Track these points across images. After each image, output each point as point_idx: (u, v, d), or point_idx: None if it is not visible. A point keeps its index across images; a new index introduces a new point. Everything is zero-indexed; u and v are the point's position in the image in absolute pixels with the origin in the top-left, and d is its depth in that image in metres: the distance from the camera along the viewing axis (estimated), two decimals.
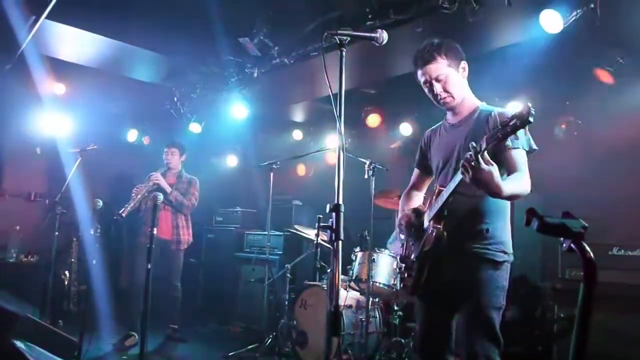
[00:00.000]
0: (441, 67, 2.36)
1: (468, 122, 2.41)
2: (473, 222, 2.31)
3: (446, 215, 2.29)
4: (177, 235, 5.21)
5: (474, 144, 1.96)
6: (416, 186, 2.80)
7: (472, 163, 1.95)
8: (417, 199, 2.76)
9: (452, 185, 2.21)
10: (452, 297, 2.32)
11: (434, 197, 2.38)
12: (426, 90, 2.46)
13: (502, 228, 2.33)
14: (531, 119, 1.81)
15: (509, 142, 1.99)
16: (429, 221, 2.37)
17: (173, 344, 5.15)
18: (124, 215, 4.68)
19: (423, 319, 2.49)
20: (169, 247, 5.14)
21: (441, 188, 2.32)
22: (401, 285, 2.66)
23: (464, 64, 2.43)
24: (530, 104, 1.81)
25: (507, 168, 2.23)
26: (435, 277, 2.35)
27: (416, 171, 2.80)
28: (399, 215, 2.67)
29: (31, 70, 4.99)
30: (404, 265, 2.57)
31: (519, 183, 2.18)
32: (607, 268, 3.63)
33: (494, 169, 1.97)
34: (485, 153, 1.96)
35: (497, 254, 2.27)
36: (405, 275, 2.51)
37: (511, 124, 1.86)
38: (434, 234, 2.29)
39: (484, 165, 1.95)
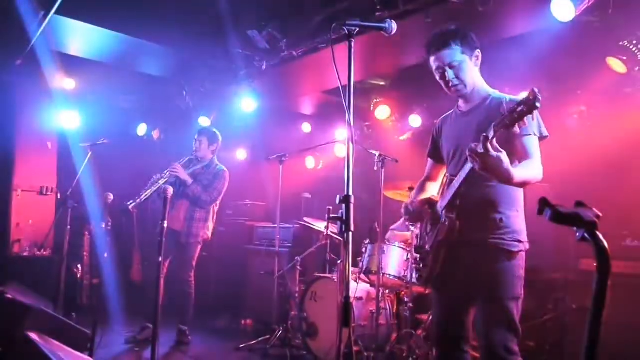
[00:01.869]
0: (455, 53, 2.33)
1: (479, 110, 2.39)
2: (486, 212, 2.29)
3: (459, 204, 2.28)
4: (188, 227, 4.90)
5: (485, 134, 1.94)
6: (430, 177, 2.77)
7: (479, 150, 1.93)
8: (432, 190, 2.72)
9: (462, 174, 2.20)
10: (468, 288, 2.31)
11: (446, 187, 2.37)
12: (438, 76, 2.43)
13: (516, 217, 2.30)
14: (538, 104, 1.79)
15: (517, 129, 1.97)
16: (442, 211, 2.35)
17: (183, 347, 4.88)
18: (130, 207, 4.49)
19: (439, 310, 2.47)
20: (179, 239, 4.88)
21: (452, 177, 2.31)
22: (416, 276, 2.63)
23: (478, 52, 2.39)
24: (536, 89, 1.79)
25: (519, 155, 2.21)
26: (451, 267, 2.33)
27: (429, 161, 2.77)
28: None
29: (41, 66, 5.02)
30: (418, 255, 2.55)
31: (530, 169, 2.16)
32: (621, 258, 3.60)
33: (503, 155, 1.95)
34: (494, 140, 1.95)
35: (512, 244, 2.25)
36: (421, 265, 2.49)
37: (518, 110, 1.84)
38: (447, 223, 2.28)
39: (492, 152, 1.93)
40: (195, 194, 4.87)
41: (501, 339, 2.19)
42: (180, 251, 4.95)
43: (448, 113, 2.65)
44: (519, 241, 2.27)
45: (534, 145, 2.22)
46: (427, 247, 2.46)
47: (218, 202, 5.15)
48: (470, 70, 2.37)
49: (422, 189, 2.73)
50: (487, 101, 2.38)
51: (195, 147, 5.06)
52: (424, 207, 2.50)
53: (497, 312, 2.22)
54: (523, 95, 1.92)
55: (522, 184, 2.17)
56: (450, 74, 2.35)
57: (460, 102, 2.51)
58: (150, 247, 5.17)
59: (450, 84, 2.38)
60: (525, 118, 1.96)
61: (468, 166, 2.12)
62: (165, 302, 4.42)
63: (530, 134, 2.21)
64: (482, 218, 2.28)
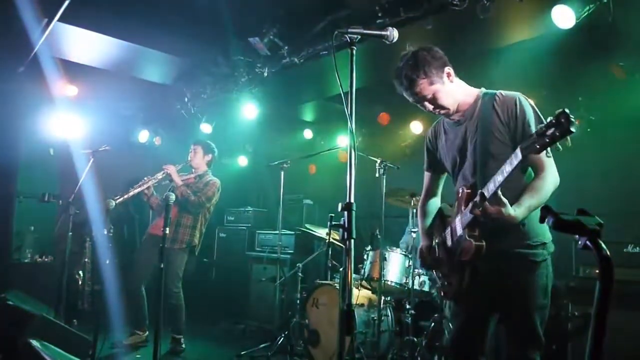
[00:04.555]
0: (424, 87, 2.26)
1: (473, 114, 2.32)
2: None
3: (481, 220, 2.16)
4: (174, 232, 4.81)
5: (481, 191, 2.00)
6: (431, 191, 2.70)
7: (478, 211, 1.98)
8: (435, 207, 2.65)
9: (467, 215, 2.16)
10: (491, 300, 2.26)
11: (463, 201, 2.25)
12: (420, 106, 2.38)
13: (538, 218, 2.18)
14: (573, 129, 1.63)
15: (548, 152, 1.95)
16: (463, 229, 2.22)
17: (177, 355, 4.83)
18: (116, 202, 4.40)
19: (459, 322, 2.41)
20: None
21: (467, 190, 2.22)
22: (441, 294, 2.60)
23: (447, 69, 2.30)
24: (567, 111, 1.64)
25: (533, 167, 2.18)
26: (475, 282, 2.24)
27: (427, 174, 2.69)
28: (419, 248, 2.62)
29: (44, 73, 5.03)
30: (440, 274, 2.46)
31: (538, 194, 2.10)
32: (623, 266, 3.59)
33: (504, 209, 1.97)
34: (499, 192, 1.96)
35: (536, 253, 2.18)
36: (445, 283, 2.40)
37: (549, 134, 1.69)
38: (473, 245, 2.14)
39: (491, 211, 1.97)
40: (184, 195, 4.78)
41: (524, 352, 2.15)
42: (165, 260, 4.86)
43: (435, 123, 2.59)
44: (543, 244, 2.20)
45: (547, 156, 2.12)
46: (444, 263, 2.40)
47: (208, 213, 5.08)
48: (446, 92, 2.30)
49: (425, 211, 2.67)
50: (478, 103, 2.31)
51: (190, 156, 5.05)
52: (438, 231, 2.47)
53: (520, 324, 2.18)
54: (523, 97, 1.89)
55: (534, 209, 2.09)
56: (428, 106, 2.33)
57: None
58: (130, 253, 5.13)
59: (434, 113, 2.36)
60: (527, 120, 2.08)
61: (469, 216, 2.12)
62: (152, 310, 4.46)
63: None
64: (502, 226, 2.14)
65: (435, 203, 2.69)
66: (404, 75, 2.28)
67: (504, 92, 2.27)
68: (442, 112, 2.35)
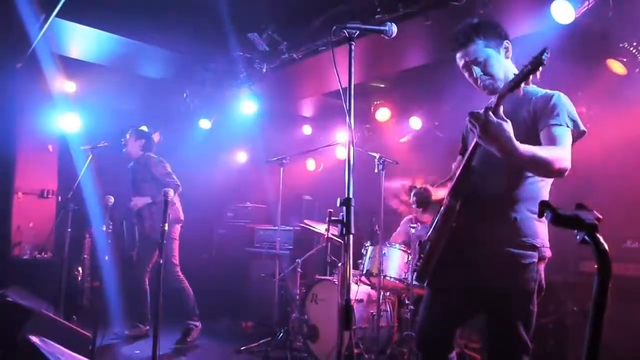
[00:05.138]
0: (479, 48, 2.17)
1: (512, 104, 2.15)
2: (500, 209, 2.08)
3: (469, 195, 2.08)
4: (151, 223, 5.01)
5: (488, 105, 1.87)
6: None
7: (479, 116, 1.84)
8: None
9: (469, 149, 2.05)
10: (470, 298, 2.12)
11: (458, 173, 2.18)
12: (466, 74, 2.26)
13: (535, 217, 2.04)
14: (544, 57, 1.68)
15: (546, 118, 1.89)
16: (446, 196, 2.17)
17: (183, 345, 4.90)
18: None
19: (431, 312, 2.27)
20: (151, 239, 4.97)
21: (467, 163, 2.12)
22: (414, 272, 2.47)
23: (507, 43, 2.22)
24: (547, 48, 1.68)
25: (545, 144, 2.02)
26: (454, 269, 2.14)
27: (459, 158, 2.52)
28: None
29: (42, 69, 5.03)
30: (419, 247, 2.37)
31: (546, 150, 1.93)
32: (622, 261, 3.60)
33: (506, 124, 1.83)
34: (500, 109, 1.85)
35: (524, 254, 2.02)
36: (418, 258, 2.33)
37: (525, 70, 1.73)
38: (446, 205, 2.08)
39: (492, 117, 1.82)
40: (145, 210, 5.01)
41: (508, 357, 2.05)
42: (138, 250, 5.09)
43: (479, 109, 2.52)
44: (534, 247, 2.03)
45: (563, 135, 1.99)
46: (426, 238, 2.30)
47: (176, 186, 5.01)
48: (499, 63, 2.19)
49: (442, 185, 2.50)
50: (521, 94, 2.16)
51: (123, 143, 5.24)
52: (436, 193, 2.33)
53: (504, 329, 2.06)
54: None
55: (533, 163, 1.91)
56: (477, 70, 2.19)
57: (493, 99, 2.22)
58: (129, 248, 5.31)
59: (479, 81, 2.20)
60: (557, 109, 1.93)
61: (474, 140, 1.98)
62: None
63: (560, 124, 2.00)
64: (494, 215, 2.07)
65: None
66: (462, 31, 2.19)
67: (547, 91, 2.15)
68: (488, 82, 2.18)
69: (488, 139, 1.85)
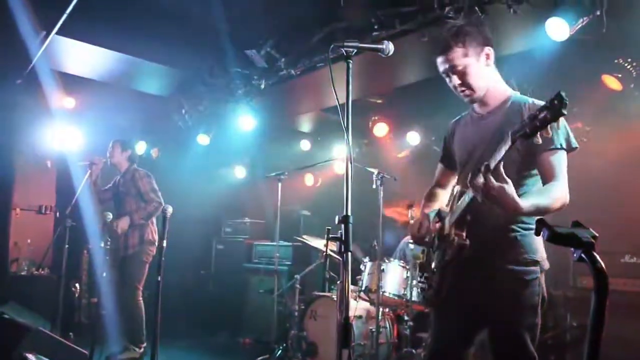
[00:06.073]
0: (457, 56, 2.11)
1: (497, 114, 2.17)
2: (501, 230, 2.08)
3: (469, 220, 2.06)
4: (124, 240, 4.84)
5: (486, 163, 1.80)
6: (440, 183, 2.55)
7: (480, 181, 1.79)
8: (441, 198, 2.49)
9: (466, 198, 2.03)
10: (476, 315, 2.13)
11: (455, 199, 2.17)
12: (447, 80, 2.22)
13: (533, 233, 2.00)
14: (564, 110, 1.56)
15: (539, 140, 1.69)
16: (450, 227, 2.13)
17: None
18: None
19: (439, 334, 2.29)
20: (119, 255, 4.83)
21: (463, 189, 2.09)
22: (422, 296, 2.44)
23: (488, 50, 2.16)
24: (563, 93, 1.57)
25: (542, 174, 2.03)
26: (459, 289, 2.15)
27: (440, 166, 2.55)
28: (417, 220, 2.44)
29: (42, 85, 5.04)
30: (424, 274, 2.38)
31: (546, 196, 1.95)
32: (619, 276, 3.60)
33: (507, 187, 1.78)
34: (501, 165, 1.79)
35: (527, 270, 2.05)
36: (426, 286, 2.33)
37: (540, 116, 1.61)
38: (455, 242, 2.07)
39: (493, 184, 1.77)
40: (149, 214, 4.84)
41: None
42: (123, 269, 4.85)
43: (462, 115, 2.42)
44: (535, 262, 2.06)
45: (560, 163, 1.99)
46: (432, 265, 2.29)
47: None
48: (478, 72, 2.14)
49: (431, 197, 2.51)
50: (507, 104, 2.15)
51: (108, 153, 5.06)
52: (434, 225, 2.30)
53: (508, 343, 2.07)
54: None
55: (537, 213, 1.91)
56: (454, 79, 2.15)
57: (476, 106, 2.27)
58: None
59: (457, 90, 2.18)
60: (549, 127, 1.66)
61: (469, 195, 1.97)
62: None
63: (556, 148, 1.98)
64: (495, 237, 2.07)
65: (444, 194, 2.52)
66: (443, 38, 2.16)
67: (535, 101, 2.10)
68: (467, 92, 2.16)
69: (490, 201, 1.84)
